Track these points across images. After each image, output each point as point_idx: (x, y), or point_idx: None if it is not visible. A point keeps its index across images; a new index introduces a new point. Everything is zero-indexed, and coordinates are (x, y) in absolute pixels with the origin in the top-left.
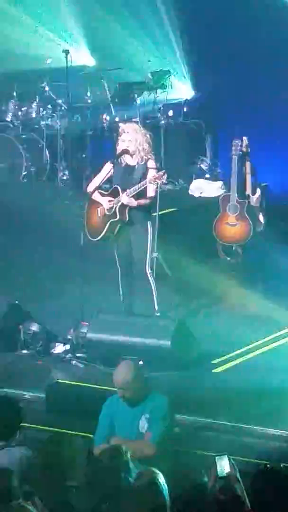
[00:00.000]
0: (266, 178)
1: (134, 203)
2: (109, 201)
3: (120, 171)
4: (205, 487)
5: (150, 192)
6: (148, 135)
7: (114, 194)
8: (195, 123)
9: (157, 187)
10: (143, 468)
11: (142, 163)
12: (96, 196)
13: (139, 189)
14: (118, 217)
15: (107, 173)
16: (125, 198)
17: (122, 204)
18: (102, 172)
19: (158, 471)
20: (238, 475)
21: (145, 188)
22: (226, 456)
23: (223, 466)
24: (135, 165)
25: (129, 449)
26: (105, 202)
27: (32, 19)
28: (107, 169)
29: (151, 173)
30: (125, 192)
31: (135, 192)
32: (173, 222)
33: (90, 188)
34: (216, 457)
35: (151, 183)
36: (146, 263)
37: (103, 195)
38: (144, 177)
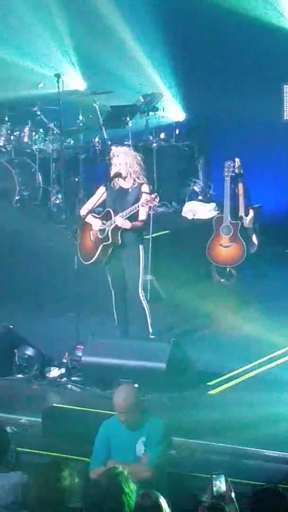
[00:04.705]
0: (259, 199)
1: (128, 224)
2: (101, 224)
3: (114, 194)
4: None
5: (142, 215)
6: (138, 157)
7: (106, 217)
8: (187, 145)
9: (149, 210)
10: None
11: (135, 186)
12: (89, 219)
13: (132, 212)
14: (110, 240)
15: (100, 197)
16: (120, 220)
17: (115, 227)
18: (95, 196)
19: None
20: (233, 495)
21: (137, 211)
22: (223, 475)
23: (219, 485)
24: (128, 188)
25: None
26: (96, 225)
27: (23, 43)
28: (100, 192)
29: (144, 198)
30: (119, 214)
31: (129, 215)
32: (166, 245)
33: (83, 211)
34: (213, 476)
35: (143, 206)
36: (139, 286)
37: (95, 218)
38: (138, 200)
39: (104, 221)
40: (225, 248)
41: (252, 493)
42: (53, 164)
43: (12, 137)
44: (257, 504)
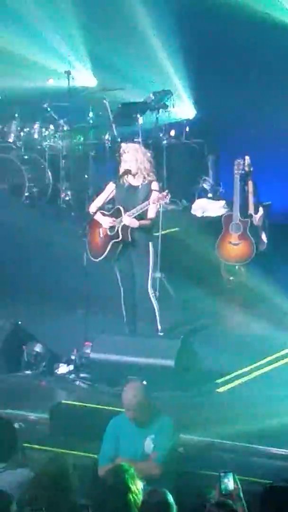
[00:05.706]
0: (268, 197)
1: (136, 224)
2: (111, 221)
3: (123, 192)
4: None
5: (151, 214)
6: (148, 154)
7: (116, 214)
8: (197, 142)
9: (159, 208)
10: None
11: (145, 183)
12: (98, 217)
13: (142, 210)
14: (120, 237)
15: (110, 194)
16: (127, 219)
17: (125, 224)
18: (105, 193)
19: (166, 491)
20: (241, 493)
21: (147, 209)
22: (231, 473)
23: (227, 483)
24: (138, 186)
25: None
26: (106, 222)
27: (34, 40)
28: (110, 189)
29: (155, 195)
30: (127, 213)
31: (137, 213)
32: (175, 242)
33: (92, 208)
34: (221, 474)
35: (154, 203)
36: (148, 283)
37: (105, 215)
38: (147, 198)
39: (114, 218)
40: (234, 246)
41: (262, 491)
42: (63, 161)
43: (22, 134)
44: (266, 502)
